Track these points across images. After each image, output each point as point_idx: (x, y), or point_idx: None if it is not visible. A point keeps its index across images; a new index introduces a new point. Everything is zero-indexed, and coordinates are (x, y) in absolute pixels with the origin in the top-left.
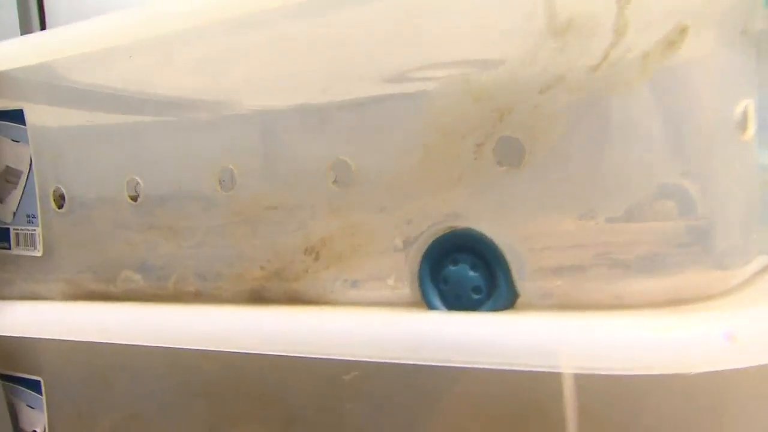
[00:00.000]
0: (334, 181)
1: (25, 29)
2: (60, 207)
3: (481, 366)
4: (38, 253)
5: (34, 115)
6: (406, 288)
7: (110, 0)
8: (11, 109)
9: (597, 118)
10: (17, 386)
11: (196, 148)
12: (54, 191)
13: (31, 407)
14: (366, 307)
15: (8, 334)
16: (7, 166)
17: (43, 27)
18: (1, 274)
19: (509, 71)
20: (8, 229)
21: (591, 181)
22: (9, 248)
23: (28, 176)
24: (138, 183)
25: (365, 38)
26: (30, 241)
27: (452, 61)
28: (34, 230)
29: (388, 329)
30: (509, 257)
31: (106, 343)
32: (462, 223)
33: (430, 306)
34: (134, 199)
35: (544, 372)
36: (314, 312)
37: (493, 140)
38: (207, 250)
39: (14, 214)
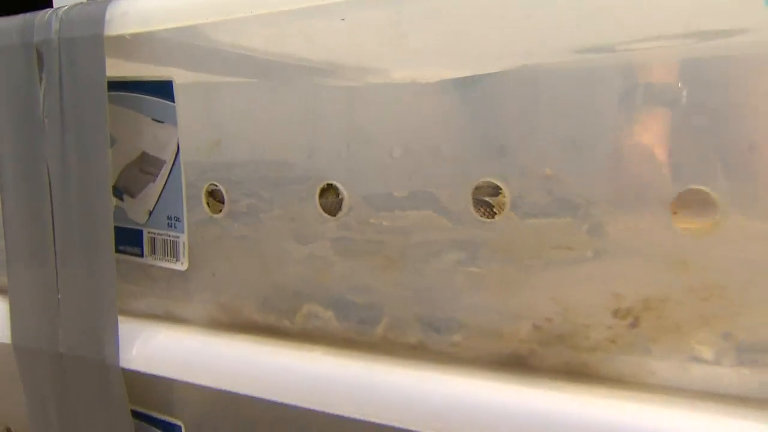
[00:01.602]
0: (676, 214)
1: None
2: (217, 211)
3: None
4: (182, 267)
5: (187, 88)
6: None
7: None
8: (157, 79)
9: None
10: (153, 428)
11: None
12: (208, 190)
13: None
14: (713, 402)
15: (143, 371)
16: (144, 153)
17: None
18: (130, 287)
19: None
20: (141, 231)
21: None
22: (141, 255)
23: (172, 168)
24: (337, 187)
25: None
26: (171, 251)
27: None
28: (177, 237)
29: None
30: None
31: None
32: None
33: None
34: (332, 209)
35: None
36: (637, 403)
37: None
38: (445, 291)
39: (150, 213)
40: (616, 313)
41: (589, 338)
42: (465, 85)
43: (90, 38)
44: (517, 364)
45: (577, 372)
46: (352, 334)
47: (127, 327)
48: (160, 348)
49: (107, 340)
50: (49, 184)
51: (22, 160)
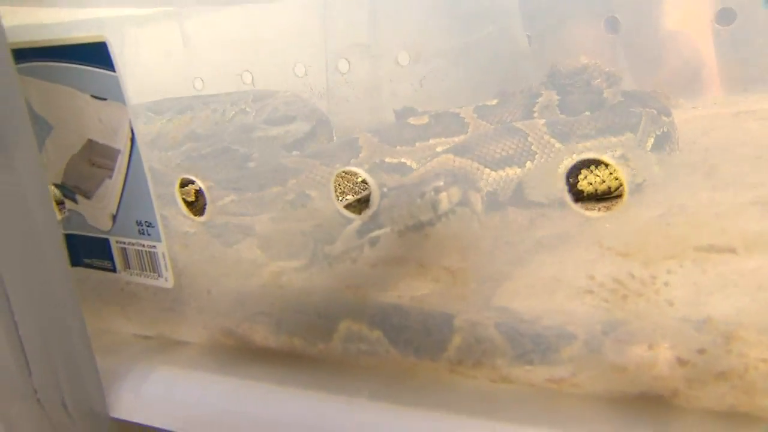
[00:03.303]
0: None
1: None
2: (199, 211)
3: None
4: (167, 284)
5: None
6: None
7: None
8: (88, 42)
9: None
10: None
11: None
12: (183, 183)
13: None
14: None
15: (140, 422)
16: (91, 141)
17: None
18: (110, 307)
19: None
20: (107, 241)
21: None
22: (114, 270)
23: (130, 159)
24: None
25: None
26: (149, 264)
27: None
28: (154, 247)
29: None
30: None
31: None
32: None
33: None
34: (356, 207)
35: None
36: None
37: None
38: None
39: (114, 218)
40: None
41: None
42: None
43: None
44: (657, 404)
45: (750, 421)
46: (410, 360)
47: (112, 365)
48: (156, 396)
49: (88, 381)
50: None
51: None
